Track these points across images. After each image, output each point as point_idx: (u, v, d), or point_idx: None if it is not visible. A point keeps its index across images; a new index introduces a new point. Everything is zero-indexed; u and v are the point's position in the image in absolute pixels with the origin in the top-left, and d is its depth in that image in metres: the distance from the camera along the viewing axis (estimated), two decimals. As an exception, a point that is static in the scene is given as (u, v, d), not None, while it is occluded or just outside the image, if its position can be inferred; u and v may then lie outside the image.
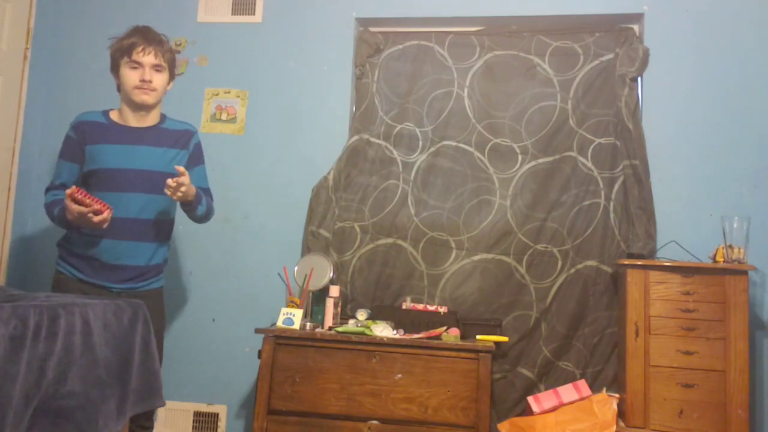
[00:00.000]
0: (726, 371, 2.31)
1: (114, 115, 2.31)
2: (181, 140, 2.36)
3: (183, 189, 2.16)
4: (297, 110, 3.03)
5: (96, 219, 2.07)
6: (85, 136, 2.26)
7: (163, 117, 2.36)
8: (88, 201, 2.08)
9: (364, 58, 3.03)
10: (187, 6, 3.17)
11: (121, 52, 2.24)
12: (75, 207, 2.07)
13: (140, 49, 2.22)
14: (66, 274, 2.25)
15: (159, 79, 2.26)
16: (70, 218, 2.11)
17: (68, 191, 2.07)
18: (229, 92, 3.07)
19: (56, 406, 1.52)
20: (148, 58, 2.23)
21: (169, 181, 2.15)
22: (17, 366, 1.39)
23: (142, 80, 2.22)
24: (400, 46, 3.05)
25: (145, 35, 2.25)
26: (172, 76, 2.35)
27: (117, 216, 2.16)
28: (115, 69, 2.29)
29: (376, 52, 3.05)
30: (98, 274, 2.23)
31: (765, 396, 2.54)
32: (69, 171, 2.30)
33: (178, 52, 3.06)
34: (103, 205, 2.09)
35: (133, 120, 2.29)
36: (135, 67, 2.23)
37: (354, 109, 3.05)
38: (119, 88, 2.30)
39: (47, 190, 2.34)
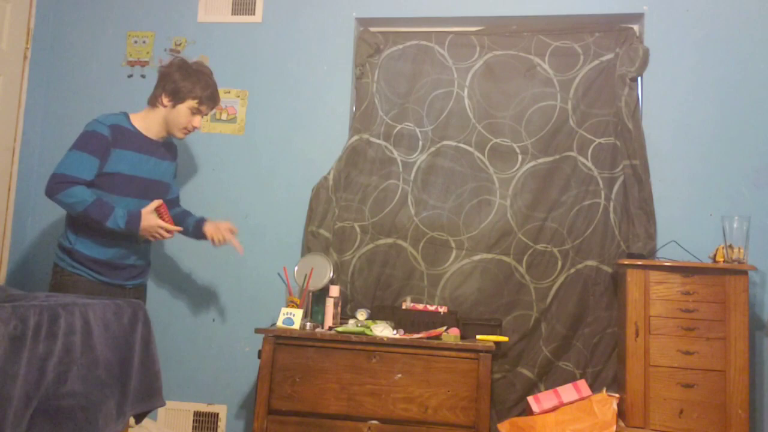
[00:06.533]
0: (726, 371, 2.31)
1: (136, 121, 2.41)
2: (173, 152, 2.58)
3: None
4: (297, 110, 3.03)
5: (166, 236, 2.31)
6: (117, 139, 2.33)
7: None
8: (167, 219, 2.32)
9: (364, 58, 3.03)
10: (187, 6, 3.17)
11: (193, 95, 2.38)
12: (156, 220, 2.28)
13: (209, 107, 2.45)
14: (85, 277, 2.32)
15: (198, 123, 2.46)
16: (143, 225, 2.26)
17: (158, 203, 2.29)
18: (229, 92, 3.07)
19: (56, 406, 1.52)
20: (207, 113, 2.48)
21: (228, 236, 2.51)
22: (17, 366, 1.39)
23: (194, 126, 2.43)
24: (400, 46, 3.05)
25: (216, 98, 2.46)
26: None
27: None
28: (172, 95, 2.37)
29: (376, 52, 3.05)
30: (114, 274, 2.38)
31: (765, 396, 2.54)
32: (93, 167, 2.27)
33: None
34: (176, 229, 2.35)
35: (153, 133, 2.43)
36: (195, 114, 2.42)
37: (354, 109, 3.05)
38: (160, 102, 2.39)
39: (69, 182, 2.21)
